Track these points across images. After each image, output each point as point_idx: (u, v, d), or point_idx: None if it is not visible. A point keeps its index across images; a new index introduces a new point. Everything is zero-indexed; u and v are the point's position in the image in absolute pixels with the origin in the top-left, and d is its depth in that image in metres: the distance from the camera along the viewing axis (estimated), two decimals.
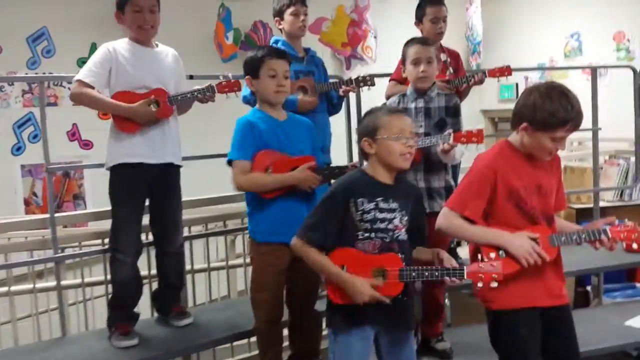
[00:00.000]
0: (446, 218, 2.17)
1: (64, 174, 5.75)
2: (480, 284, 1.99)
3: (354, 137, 3.00)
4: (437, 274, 2.03)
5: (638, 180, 4.33)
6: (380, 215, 2.07)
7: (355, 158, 3.12)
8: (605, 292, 4.06)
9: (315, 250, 2.07)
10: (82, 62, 5.42)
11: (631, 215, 4.44)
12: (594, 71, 4.16)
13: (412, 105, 2.84)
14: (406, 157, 2.09)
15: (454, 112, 2.86)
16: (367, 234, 2.07)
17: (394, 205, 2.10)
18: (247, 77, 2.53)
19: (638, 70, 4.15)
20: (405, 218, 2.12)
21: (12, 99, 5.53)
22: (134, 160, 2.66)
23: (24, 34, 5.60)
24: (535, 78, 7.81)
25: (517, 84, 8.02)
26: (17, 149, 5.56)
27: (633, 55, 6.82)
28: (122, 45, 2.72)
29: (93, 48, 5.46)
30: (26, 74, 5.46)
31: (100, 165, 2.78)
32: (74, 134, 5.75)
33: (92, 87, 2.62)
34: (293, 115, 2.62)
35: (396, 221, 2.09)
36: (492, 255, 2.02)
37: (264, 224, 2.48)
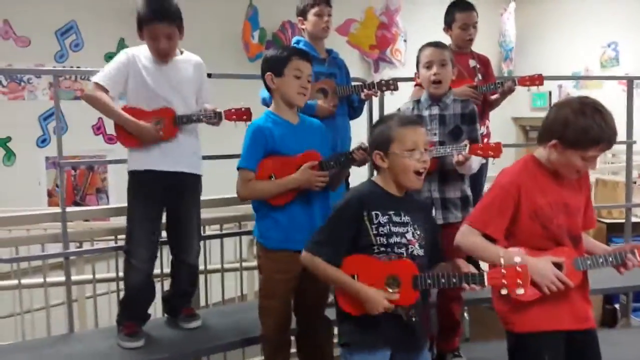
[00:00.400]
0: (466, 236, 2.07)
1: (87, 167, 5.79)
2: (504, 291, 1.83)
3: None
4: (454, 280, 1.90)
5: None
6: (395, 229, 1.98)
7: None
8: (633, 311, 3.90)
9: (324, 262, 1.98)
10: (109, 56, 5.43)
11: None
12: (630, 82, 3.99)
13: (427, 113, 2.75)
14: (419, 178, 2.00)
15: (470, 120, 2.74)
16: (383, 249, 1.97)
17: (406, 219, 2.00)
18: (268, 73, 2.43)
19: None
20: (418, 232, 2.01)
21: (39, 91, 5.57)
22: (144, 167, 2.64)
23: (53, 27, 5.63)
24: (569, 87, 7.63)
25: (550, 92, 7.85)
26: (42, 141, 5.60)
27: None
28: (144, 52, 2.66)
29: (121, 43, 5.62)
30: (54, 67, 5.49)
31: (115, 161, 2.74)
32: (99, 128, 5.77)
33: (107, 91, 2.59)
34: (305, 118, 2.54)
35: (409, 235, 1.99)
36: (517, 259, 1.86)
37: (275, 231, 2.39)
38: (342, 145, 3.03)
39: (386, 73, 7.30)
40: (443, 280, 1.91)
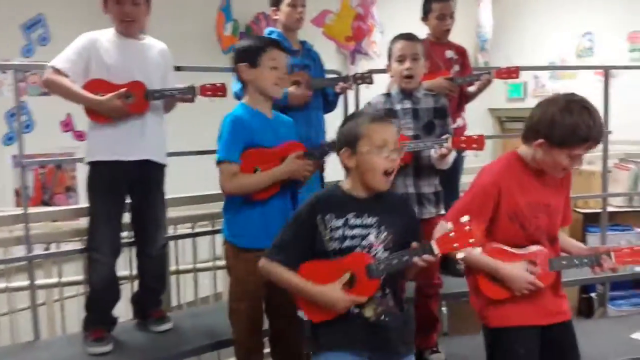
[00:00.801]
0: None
1: (56, 165, 5.62)
2: (460, 254, 1.77)
3: None
4: (405, 258, 1.81)
5: None
6: (350, 233, 1.89)
7: None
8: (610, 300, 3.91)
9: (279, 266, 1.91)
10: None
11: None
12: (606, 72, 3.97)
13: (399, 107, 2.68)
14: (387, 179, 1.90)
15: (442, 114, 2.69)
16: (339, 255, 1.88)
17: (369, 220, 1.90)
18: (242, 64, 2.32)
19: None
20: (384, 234, 1.90)
21: (5, 87, 5.38)
22: (110, 157, 2.53)
23: (19, 20, 5.44)
24: (545, 78, 7.63)
25: (525, 83, 7.83)
26: (9, 139, 5.41)
27: None
28: (105, 35, 2.58)
29: None
30: (21, 62, 5.31)
31: (80, 160, 2.63)
32: (67, 125, 5.60)
33: (66, 75, 2.48)
34: (277, 114, 2.45)
35: (371, 237, 1.88)
36: (464, 219, 1.74)
37: (248, 228, 2.29)
38: (316, 139, 2.96)
39: (362, 65, 7.21)
40: (395, 261, 1.82)
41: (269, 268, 1.93)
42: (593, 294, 4.11)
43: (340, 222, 1.89)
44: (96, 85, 2.50)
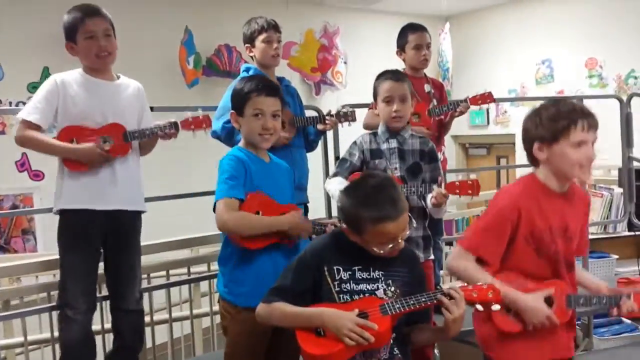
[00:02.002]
0: (457, 259, 1.95)
1: (12, 206, 5.32)
2: (479, 307, 1.72)
3: (332, 170, 2.73)
4: (423, 299, 1.72)
5: (625, 215, 4.14)
6: (359, 287, 1.77)
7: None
8: (594, 328, 3.86)
9: (281, 303, 1.77)
10: (33, 87, 5.10)
11: (615, 247, 4.35)
12: (579, 101, 3.98)
13: (385, 146, 2.59)
14: (392, 254, 1.79)
15: (430, 158, 2.60)
16: None
17: (376, 274, 1.80)
18: (232, 112, 2.20)
19: (624, 100, 4.01)
20: (392, 289, 1.80)
21: None
22: (81, 206, 2.37)
23: None
24: (506, 104, 7.73)
25: (487, 110, 7.92)
26: None
27: (606, 82, 6.77)
28: (73, 77, 2.43)
29: (45, 72, 5.23)
30: None
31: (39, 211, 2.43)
32: (23, 164, 5.33)
33: (38, 126, 2.34)
34: (273, 157, 2.31)
35: (379, 293, 1.78)
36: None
37: (247, 284, 2.10)
38: (299, 178, 2.83)
39: (328, 96, 7.19)
40: (412, 302, 1.72)
41: (269, 310, 1.79)
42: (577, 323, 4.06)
43: (347, 274, 1.78)
44: (70, 132, 2.36)
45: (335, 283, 1.77)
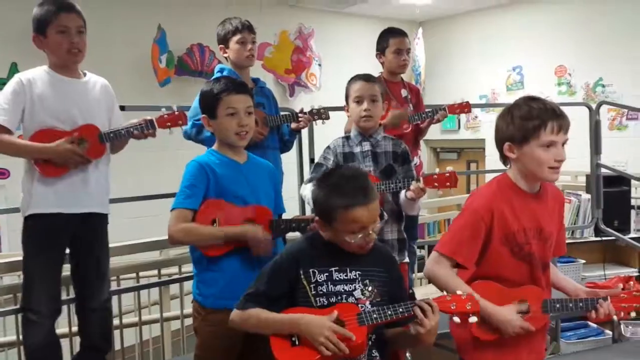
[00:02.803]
0: (435, 265, 1.92)
1: None
2: (456, 319, 1.71)
3: (307, 172, 2.71)
4: (401, 309, 1.70)
5: (593, 221, 4.22)
6: (337, 288, 1.76)
7: None
8: (562, 331, 3.92)
9: (255, 309, 1.74)
10: (1, 83, 4.96)
11: (582, 252, 4.43)
12: None
13: (358, 149, 2.58)
14: (364, 248, 1.78)
15: (403, 160, 2.60)
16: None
17: (353, 274, 1.78)
18: (203, 116, 2.16)
19: (594, 108, 4.08)
20: (370, 288, 1.78)
21: None
22: (50, 210, 2.31)
23: None
24: (477, 110, 7.82)
25: (458, 115, 8.00)
26: None
27: (574, 89, 6.91)
28: (39, 75, 2.35)
29: (13, 68, 5.09)
30: None
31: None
32: None
33: (7, 129, 2.27)
34: (254, 158, 2.27)
35: (357, 293, 1.76)
36: (459, 292, 1.73)
37: (217, 286, 2.08)
38: (279, 183, 2.80)
39: (302, 97, 7.18)
40: (389, 312, 1.70)
41: (243, 317, 1.76)
42: None
43: (323, 276, 1.76)
44: (42, 137, 2.29)
45: (312, 286, 1.75)
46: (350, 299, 1.75)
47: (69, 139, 2.28)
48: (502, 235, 1.90)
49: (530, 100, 1.90)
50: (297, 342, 1.71)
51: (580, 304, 1.92)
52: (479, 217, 1.89)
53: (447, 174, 2.38)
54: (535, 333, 1.95)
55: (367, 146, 2.58)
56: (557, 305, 1.91)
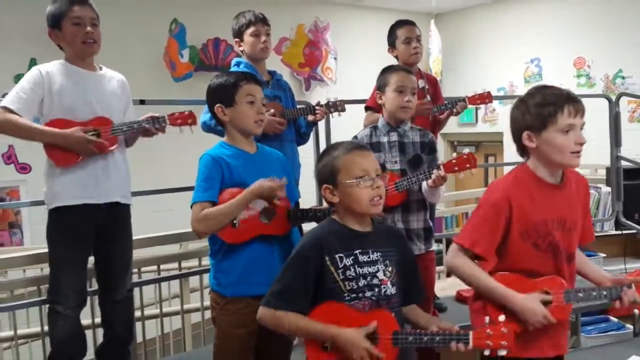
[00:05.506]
0: (456, 257, 1.92)
1: None
2: (487, 352, 1.72)
3: None
4: (437, 339, 1.73)
5: (613, 214, 4.18)
6: (363, 270, 1.77)
7: None
8: (582, 326, 3.89)
9: (289, 313, 1.75)
10: (19, 78, 4.99)
11: (603, 246, 4.39)
12: None
13: (385, 139, 2.60)
14: (375, 202, 1.79)
15: (430, 149, 2.63)
16: (354, 295, 1.76)
17: (374, 256, 1.80)
18: (217, 105, 2.16)
19: (613, 100, 4.04)
20: (389, 269, 1.81)
21: None
22: (75, 202, 2.34)
23: None
24: (495, 103, 7.76)
25: (476, 108, 7.95)
26: None
27: (594, 81, 6.83)
28: (57, 68, 2.38)
29: (32, 63, 5.15)
30: None
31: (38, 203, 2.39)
32: (9, 157, 5.26)
33: (19, 116, 2.28)
34: (263, 147, 2.29)
35: (380, 274, 1.79)
36: (501, 318, 1.74)
37: (234, 274, 2.10)
38: (292, 172, 2.81)
39: (317, 91, 7.18)
40: (425, 339, 1.73)
41: (275, 317, 1.76)
42: None
43: (350, 260, 1.77)
44: (56, 126, 2.31)
45: (340, 272, 1.76)
46: (375, 280, 1.78)
47: (82, 128, 2.30)
48: (522, 226, 1.88)
49: (542, 87, 1.90)
50: (328, 348, 1.75)
51: (604, 292, 1.88)
52: (498, 209, 1.88)
53: (465, 156, 2.38)
54: (558, 327, 1.93)
55: (394, 136, 2.59)
56: (580, 295, 1.88)
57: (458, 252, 1.92)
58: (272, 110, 2.84)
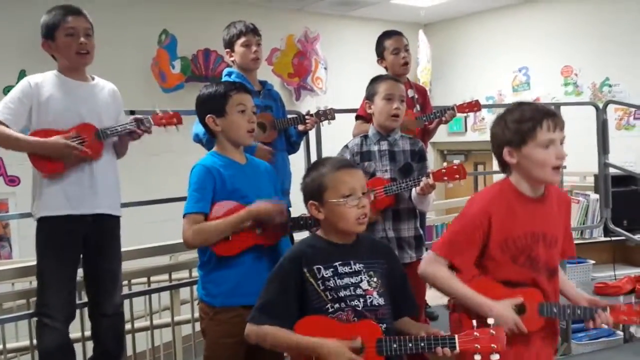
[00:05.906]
0: (430, 264, 1.92)
1: None
2: (478, 357, 1.69)
3: None
4: (422, 344, 1.72)
5: (602, 221, 4.20)
6: (344, 281, 1.78)
7: None
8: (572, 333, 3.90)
9: (272, 327, 1.75)
10: (9, 90, 4.96)
11: (592, 252, 4.42)
12: (556, 108, 4.05)
13: (376, 148, 2.63)
14: (361, 221, 1.81)
15: (420, 157, 2.66)
16: (336, 305, 1.76)
17: (357, 267, 1.81)
18: (209, 116, 2.16)
19: (601, 107, 4.08)
20: (374, 279, 1.82)
21: None
22: (58, 212, 2.33)
23: None
24: (484, 111, 7.80)
25: (465, 117, 7.99)
26: None
27: (581, 89, 6.89)
28: (48, 78, 2.38)
29: (22, 75, 5.13)
30: None
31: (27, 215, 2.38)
32: None
33: (7, 126, 2.28)
34: (252, 158, 2.30)
35: (364, 284, 1.79)
36: (490, 321, 1.72)
37: (228, 284, 2.09)
38: (282, 181, 2.82)
39: (308, 101, 7.20)
40: (410, 345, 1.72)
41: (260, 333, 1.77)
42: None
43: (329, 272, 1.78)
44: (43, 135, 2.31)
45: (319, 282, 1.77)
46: (358, 291, 1.78)
47: (63, 135, 2.30)
48: (501, 240, 1.88)
49: (520, 104, 1.91)
50: None
51: (578, 311, 1.89)
52: (476, 223, 1.88)
53: (455, 167, 2.41)
54: (536, 338, 1.92)
55: (385, 145, 2.62)
56: (554, 310, 1.89)
57: (433, 260, 1.92)
58: (263, 121, 2.84)
